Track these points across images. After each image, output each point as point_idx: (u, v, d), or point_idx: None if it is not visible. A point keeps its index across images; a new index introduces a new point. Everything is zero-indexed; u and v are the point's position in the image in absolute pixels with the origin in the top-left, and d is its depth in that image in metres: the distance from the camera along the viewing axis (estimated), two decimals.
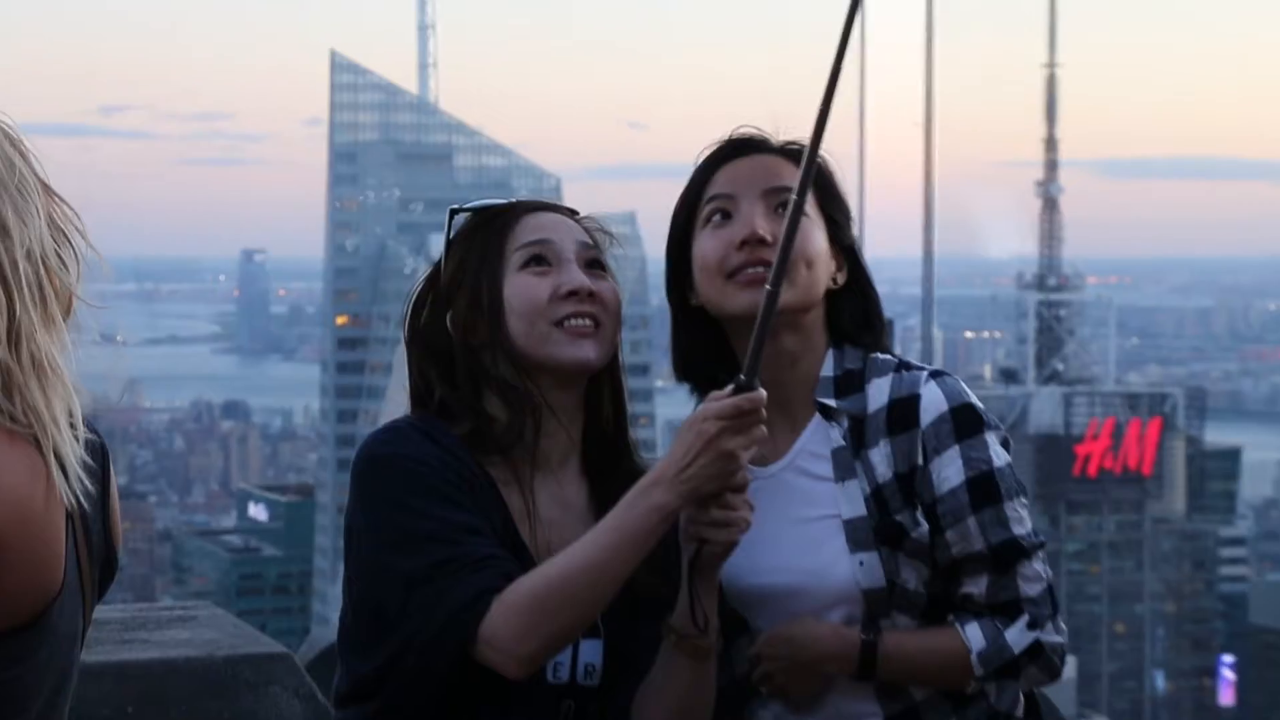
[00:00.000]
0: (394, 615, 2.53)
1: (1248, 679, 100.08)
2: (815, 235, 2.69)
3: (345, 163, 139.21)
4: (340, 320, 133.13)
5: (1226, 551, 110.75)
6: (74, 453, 2.14)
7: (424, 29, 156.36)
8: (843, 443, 2.67)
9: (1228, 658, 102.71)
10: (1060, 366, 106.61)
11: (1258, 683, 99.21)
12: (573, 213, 2.80)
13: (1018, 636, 2.63)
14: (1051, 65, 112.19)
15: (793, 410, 2.70)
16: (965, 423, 2.65)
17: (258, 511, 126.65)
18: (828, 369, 2.71)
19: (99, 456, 2.27)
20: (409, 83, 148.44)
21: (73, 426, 2.16)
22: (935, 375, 2.69)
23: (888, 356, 2.72)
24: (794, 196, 2.48)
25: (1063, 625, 2.67)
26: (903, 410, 2.66)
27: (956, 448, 2.64)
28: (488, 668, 2.49)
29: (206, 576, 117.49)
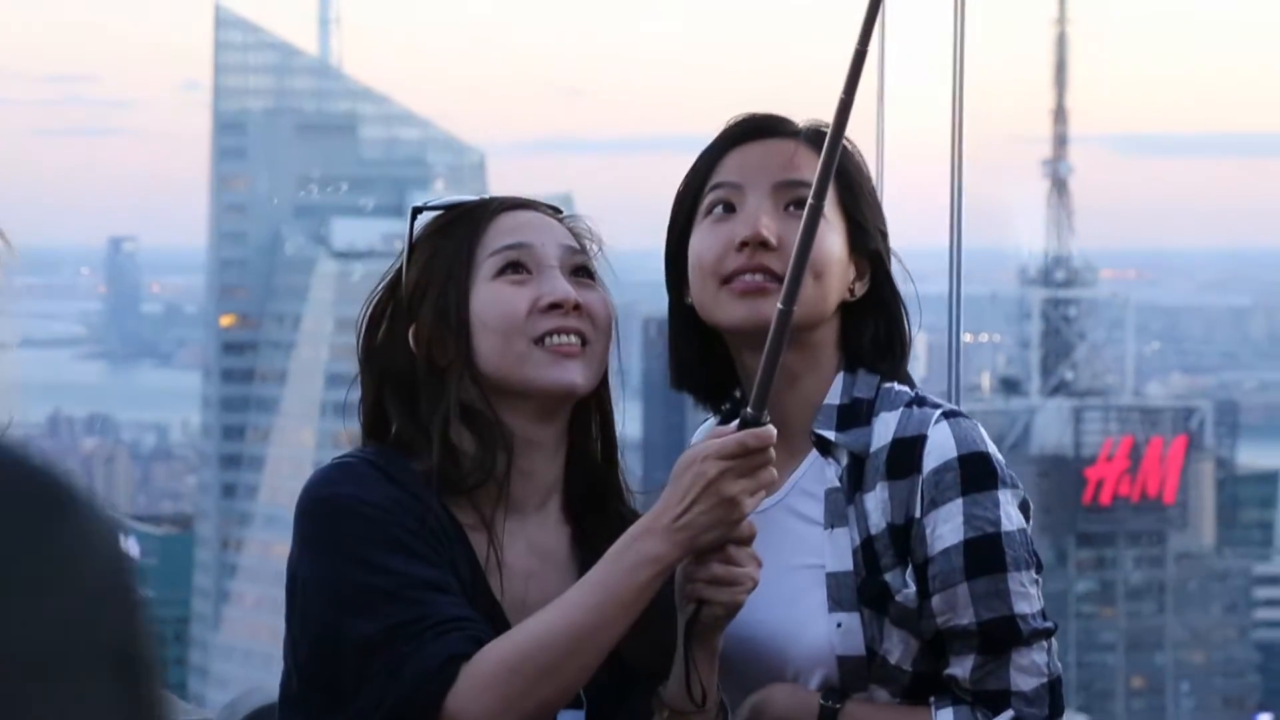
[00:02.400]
0: (348, 685, 2.56)
1: None
2: (829, 240, 2.67)
3: (232, 134, 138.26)
4: (225, 321, 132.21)
5: (1263, 592, 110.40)
6: None
7: None
8: (837, 483, 2.67)
9: (1265, 717, 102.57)
10: (1069, 375, 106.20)
11: None
12: (556, 211, 2.80)
13: None
14: (1062, 24, 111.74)
15: (791, 438, 2.68)
16: (975, 475, 2.64)
17: (127, 546, 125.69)
18: (833, 395, 2.70)
19: None
20: (307, 43, 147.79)
21: None
22: (949, 415, 2.67)
23: (904, 389, 2.71)
24: (811, 200, 2.47)
25: None
26: (905, 452, 2.65)
27: (959, 502, 2.62)
28: None
29: None
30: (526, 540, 2.71)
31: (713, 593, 2.51)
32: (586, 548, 2.67)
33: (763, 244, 2.64)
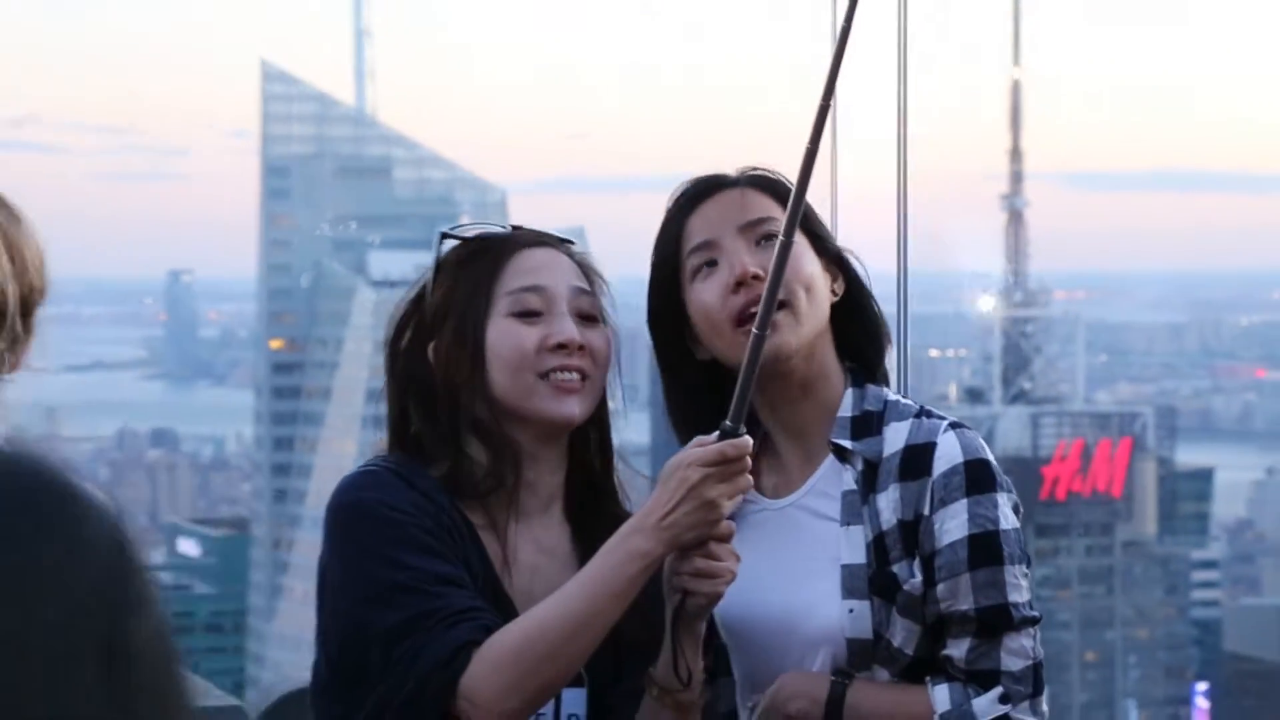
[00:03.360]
0: (374, 671, 2.55)
1: (1222, 708, 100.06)
2: (806, 260, 2.68)
3: (278, 177, 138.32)
4: (274, 344, 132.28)
5: (1199, 575, 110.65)
6: None
7: (360, 35, 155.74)
8: (853, 486, 2.68)
9: (1201, 686, 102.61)
10: (1027, 385, 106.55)
11: (1232, 711, 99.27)
12: (567, 244, 2.78)
13: (986, 706, 2.62)
14: (1016, 72, 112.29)
15: (808, 444, 2.71)
16: (978, 479, 2.65)
17: (188, 546, 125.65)
18: (846, 409, 2.70)
19: None
20: (345, 94, 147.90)
21: None
22: (955, 426, 2.68)
23: (909, 402, 2.73)
24: (782, 238, 2.48)
25: (1044, 708, 2.65)
26: (916, 457, 2.66)
27: (964, 502, 2.63)
28: None
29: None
30: (532, 539, 2.71)
31: (696, 584, 2.51)
32: (585, 544, 2.66)
33: (755, 277, 2.64)
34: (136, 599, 1.11)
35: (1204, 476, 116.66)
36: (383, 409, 2.78)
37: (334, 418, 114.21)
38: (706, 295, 2.69)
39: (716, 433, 2.49)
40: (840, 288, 2.75)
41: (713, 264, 2.69)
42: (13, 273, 2.27)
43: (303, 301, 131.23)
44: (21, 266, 2.29)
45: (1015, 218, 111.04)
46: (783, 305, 2.62)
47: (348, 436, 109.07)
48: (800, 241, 2.65)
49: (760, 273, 2.62)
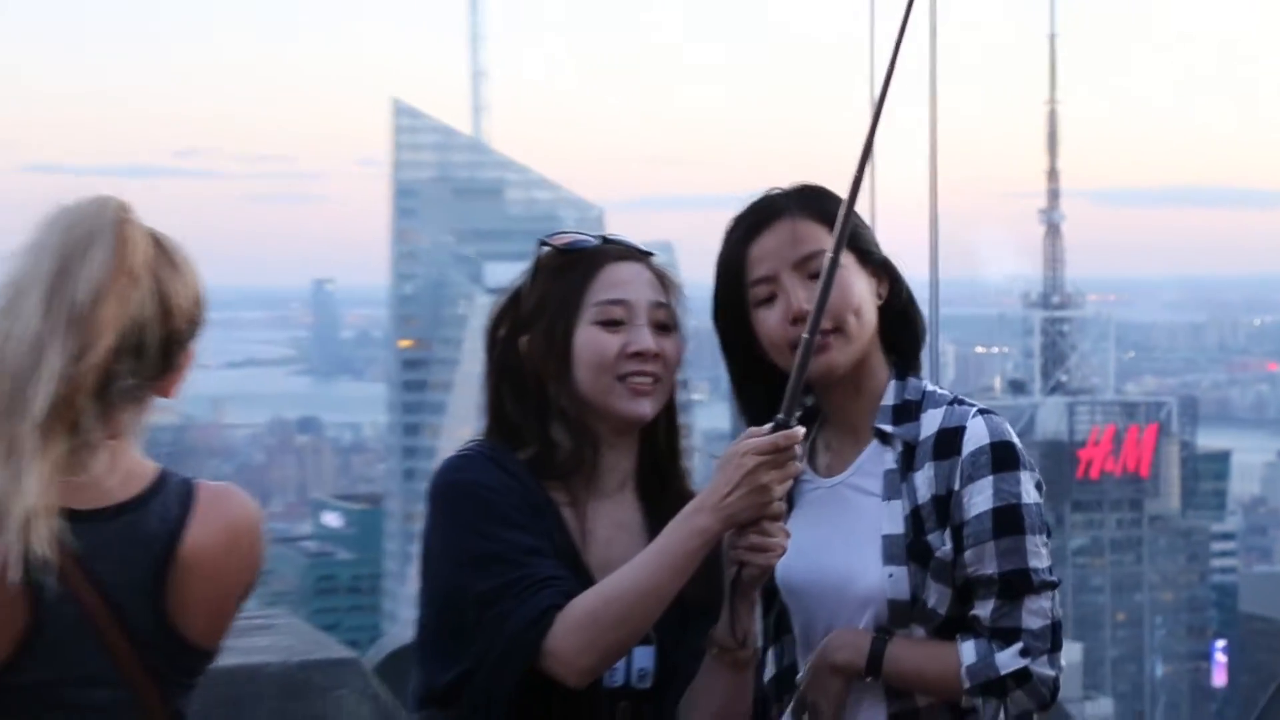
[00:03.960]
0: (468, 631, 2.54)
1: (1237, 662, 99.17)
2: (855, 284, 2.66)
3: (406, 198, 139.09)
4: (404, 343, 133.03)
5: (1218, 545, 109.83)
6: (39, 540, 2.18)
7: (477, 75, 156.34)
8: (894, 466, 2.66)
9: (1220, 643, 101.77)
10: (1064, 378, 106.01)
11: (1246, 665, 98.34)
12: (648, 256, 2.75)
13: (1008, 660, 2.59)
14: (1052, 103, 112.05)
15: (856, 430, 2.70)
16: (1002, 458, 2.62)
17: (331, 519, 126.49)
18: (888, 398, 2.69)
19: (148, 546, 2.29)
20: (464, 125, 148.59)
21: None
22: (983, 412, 2.66)
23: (944, 392, 2.71)
24: (828, 256, 2.48)
25: (1061, 663, 2.61)
26: (948, 439, 2.64)
27: (990, 478, 2.60)
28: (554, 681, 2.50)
29: (286, 579, 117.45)
30: (608, 515, 2.69)
31: (750, 557, 2.50)
32: (655, 521, 2.64)
33: (807, 314, 2.58)
34: None
35: (1222, 458, 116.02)
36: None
37: (455, 407, 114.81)
38: (769, 324, 2.67)
39: (770, 424, 2.47)
40: (885, 290, 2.73)
41: (772, 298, 2.67)
42: (158, 316, 2.28)
43: (428, 306, 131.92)
44: (167, 311, 2.30)
45: (1052, 230, 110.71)
46: (835, 330, 2.61)
47: (466, 423, 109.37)
48: (849, 264, 2.64)
49: (809, 309, 2.58)
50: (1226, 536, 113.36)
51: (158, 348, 2.29)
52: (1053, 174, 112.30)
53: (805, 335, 2.48)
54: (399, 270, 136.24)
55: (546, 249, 2.74)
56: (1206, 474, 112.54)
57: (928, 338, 2.79)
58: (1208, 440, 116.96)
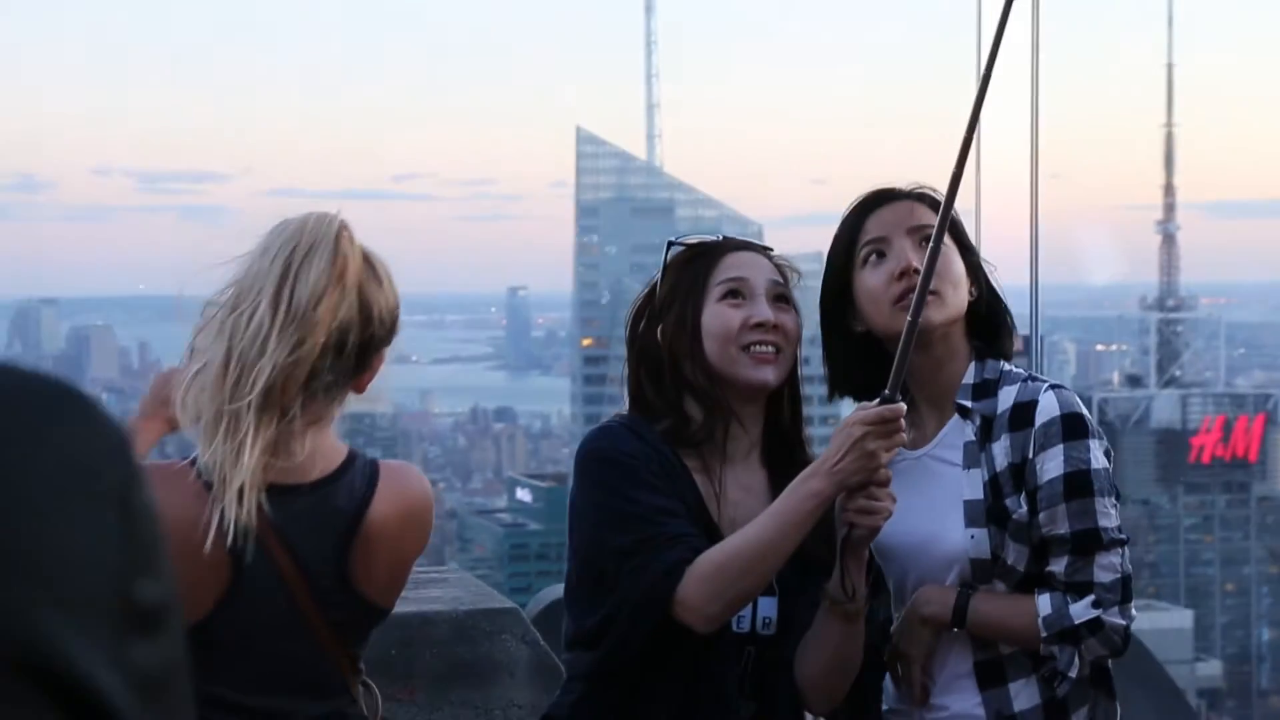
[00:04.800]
0: (609, 581, 2.53)
1: None
2: (955, 261, 2.63)
3: (588, 216, 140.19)
4: (586, 342, 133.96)
5: None
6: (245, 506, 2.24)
7: (651, 108, 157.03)
8: (973, 438, 2.61)
9: None
10: (1178, 373, 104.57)
11: None
12: (767, 250, 2.73)
13: (1081, 610, 2.54)
14: (1169, 125, 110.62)
15: (940, 406, 2.66)
16: (1072, 428, 2.56)
17: (524, 495, 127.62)
18: (969, 377, 2.64)
19: (337, 518, 2.33)
20: (639, 151, 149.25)
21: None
22: (1054, 387, 2.61)
23: (1019, 370, 2.66)
24: (930, 245, 2.45)
25: (1132, 613, 2.55)
26: (1022, 412, 2.58)
27: (1061, 446, 2.55)
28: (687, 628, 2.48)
29: (484, 546, 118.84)
30: (736, 479, 2.65)
31: (859, 519, 2.47)
32: (778, 484, 2.59)
33: (915, 271, 2.58)
34: (140, 472, 0.91)
35: None
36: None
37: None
38: (874, 280, 2.63)
39: (878, 398, 2.44)
40: (975, 291, 2.69)
41: (882, 255, 2.64)
42: (360, 322, 2.31)
43: (607, 310, 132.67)
44: (368, 318, 2.33)
45: (1168, 239, 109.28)
46: (933, 293, 2.56)
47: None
48: (952, 249, 2.62)
49: (919, 267, 2.56)
50: None
51: (356, 349, 2.33)
52: (1169, 189, 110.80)
53: (910, 318, 2.44)
54: (582, 278, 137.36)
55: (675, 248, 2.73)
56: None
57: (1034, 336, 2.76)
58: None
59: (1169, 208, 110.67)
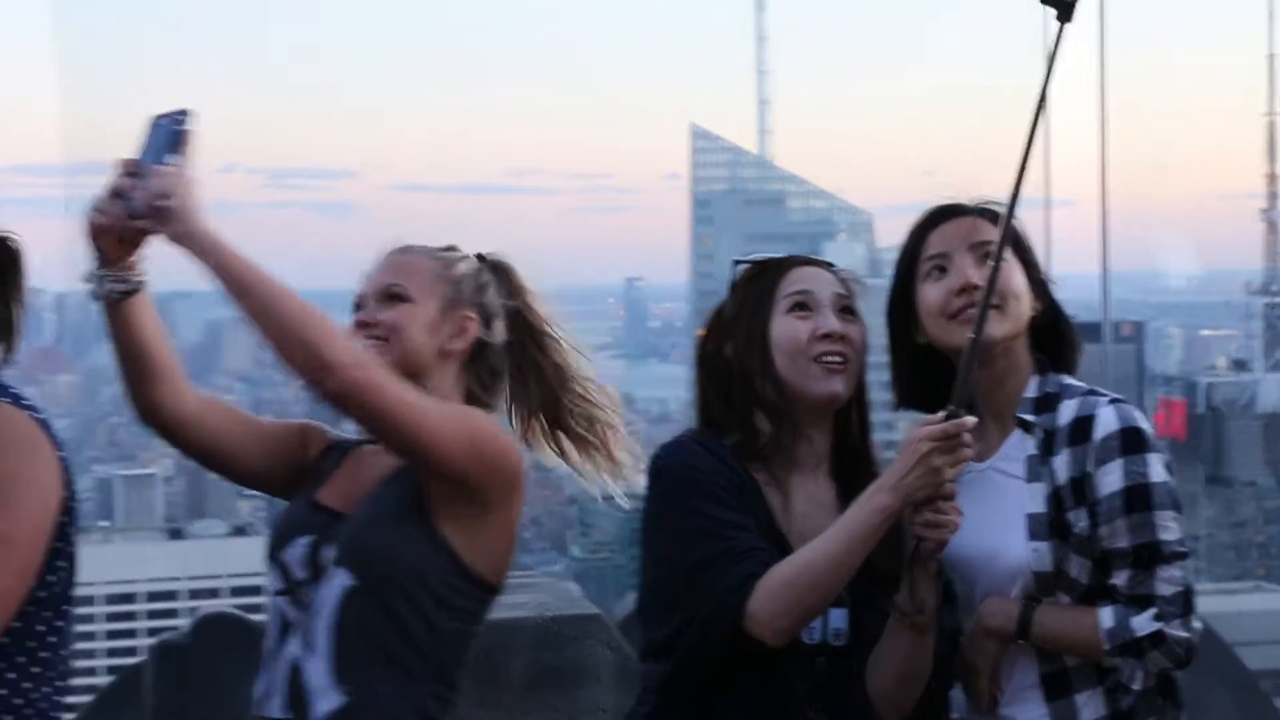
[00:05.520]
0: (681, 594, 2.50)
1: None
2: (1017, 275, 2.58)
3: (702, 208, 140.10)
4: (701, 332, 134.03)
5: None
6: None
7: (763, 103, 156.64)
8: (1035, 452, 2.56)
9: None
10: None
11: None
12: (831, 266, 2.70)
13: (1143, 623, 2.48)
14: (1271, 115, 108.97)
15: (1002, 420, 2.60)
16: (1131, 442, 2.51)
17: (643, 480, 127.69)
18: (1030, 391, 2.59)
19: None
20: (750, 145, 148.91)
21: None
22: (1114, 401, 2.56)
23: (1080, 384, 2.60)
24: (991, 262, 2.41)
25: (1195, 624, 2.49)
26: (1082, 427, 2.53)
27: (1120, 461, 2.50)
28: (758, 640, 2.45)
29: (605, 530, 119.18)
30: (804, 493, 2.62)
31: (926, 532, 2.43)
32: (846, 498, 2.56)
33: (974, 287, 2.55)
34: None
35: None
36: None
37: None
38: (934, 294, 2.59)
39: (943, 412, 2.40)
40: (1039, 307, 2.63)
41: (943, 270, 2.60)
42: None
43: (721, 299, 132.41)
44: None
45: (1271, 227, 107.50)
46: (995, 307, 2.52)
47: None
48: (1014, 264, 2.58)
49: (979, 283, 2.52)
50: None
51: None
52: (1272, 178, 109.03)
53: (971, 335, 2.39)
54: (697, 269, 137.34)
55: (742, 266, 2.71)
56: None
57: (1079, 347, 2.69)
58: None
59: (1272, 196, 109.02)
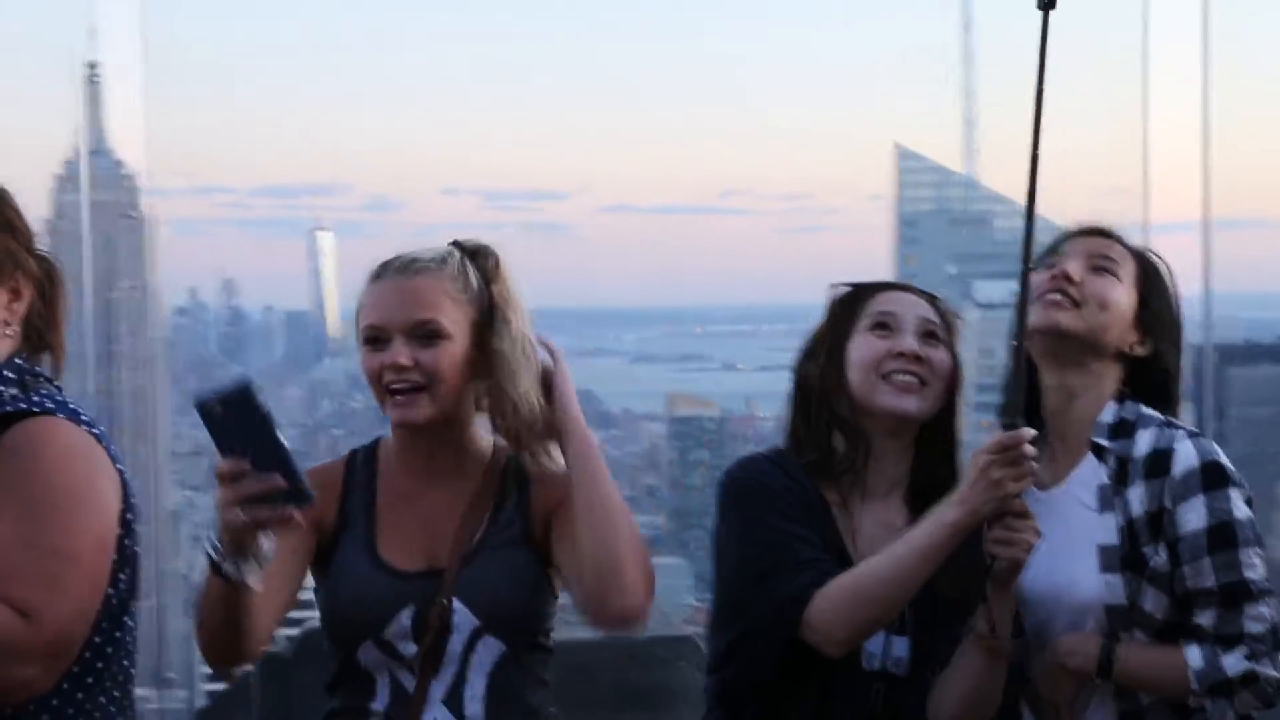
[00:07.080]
0: (747, 602, 2.48)
1: None
2: (1118, 290, 2.50)
3: (909, 228, 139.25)
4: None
5: None
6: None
7: (969, 124, 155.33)
8: (1107, 480, 2.45)
9: None
10: None
11: None
12: (930, 295, 2.65)
13: (1234, 663, 2.37)
14: None
15: (1071, 443, 2.50)
16: (1213, 478, 2.40)
17: None
18: (1106, 415, 2.48)
19: None
20: (956, 166, 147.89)
21: None
22: (1192, 435, 2.45)
23: (1157, 414, 2.48)
24: (1022, 266, 2.36)
25: None
26: (1160, 460, 2.42)
27: (1202, 497, 2.39)
28: (817, 657, 2.40)
29: None
30: (874, 516, 2.55)
31: (999, 550, 2.33)
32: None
33: (1068, 278, 2.50)
34: None
35: None
36: None
37: None
38: (1034, 279, 2.48)
39: (1002, 425, 2.33)
40: (1142, 350, 2.52)
41: (1051, 267, 2.53)
42: None
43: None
44: None
45: None
46: (1066, 292, 2.46)
47: None
48: (1125, 284, 2.51)
49: (1076, 277, 2.48)
50: None
51: None
52: None
53: (1012, 341, 2.31)
54: None
55: (838, 288, 2.66)
56: None
57: (1204, 350, 2.44)
58: None
59: None
